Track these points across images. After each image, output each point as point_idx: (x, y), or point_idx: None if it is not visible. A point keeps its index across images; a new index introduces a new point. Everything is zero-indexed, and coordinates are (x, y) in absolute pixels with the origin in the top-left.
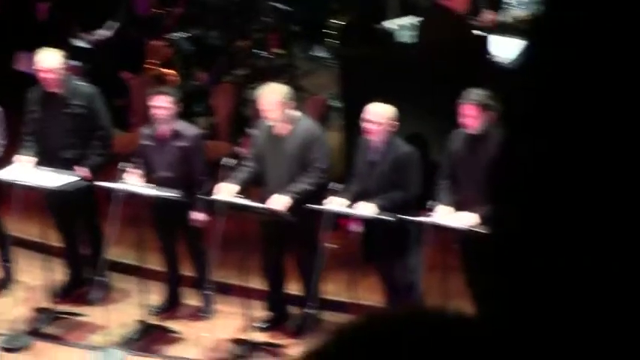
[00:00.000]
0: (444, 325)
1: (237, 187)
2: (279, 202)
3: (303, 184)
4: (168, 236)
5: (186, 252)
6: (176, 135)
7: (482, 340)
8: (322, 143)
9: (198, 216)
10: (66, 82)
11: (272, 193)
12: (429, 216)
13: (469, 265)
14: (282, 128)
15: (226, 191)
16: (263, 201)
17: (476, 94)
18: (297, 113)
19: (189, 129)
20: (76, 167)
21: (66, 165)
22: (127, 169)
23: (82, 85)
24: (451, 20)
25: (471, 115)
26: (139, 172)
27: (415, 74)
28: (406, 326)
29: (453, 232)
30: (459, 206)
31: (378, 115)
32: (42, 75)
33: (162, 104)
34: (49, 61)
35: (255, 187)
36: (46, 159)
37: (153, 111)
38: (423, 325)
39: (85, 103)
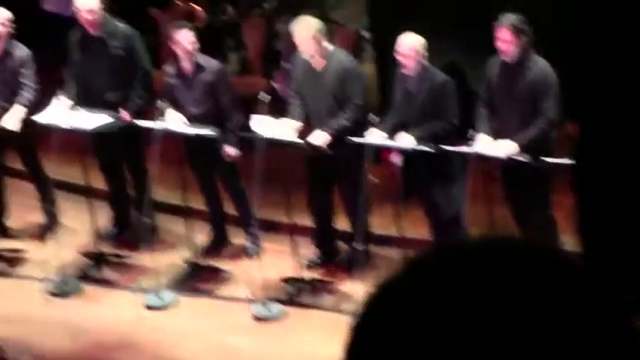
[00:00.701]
0: (529, 251)
1: (299, 124)
2: (319, 137)
3: (342, 120)
4: (205, 174)
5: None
6: (199, 70)
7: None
8: (357, 77)
9: (230, 151)
10: (105, 23)
11: (312, 128)
12: (469, 145)
13: (512, 194)
14: (317, 63)
15: (289, 127)
16: (303, 136)
17: (511, 18)
18: (331, 47)
19: (212, 63)
20: (118, 109)
21: (108, 107)
22: (167, 107)
23: (122, 26)
24: None
25: (506, 40)
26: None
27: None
28: (486, 257)
29: (494, 161)
30: (499, 134)
31: (408, 46)
32: (81, 16)
33: (182, 39)
34: (87, 1)
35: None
36: (88, 101)
37: (174, 47)
38: (508, 253)
39: (124, 45)
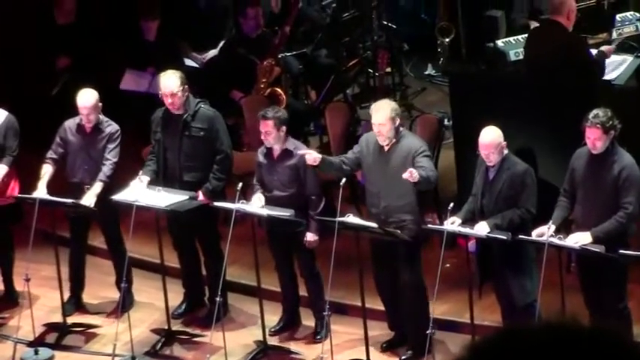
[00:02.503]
0: (591, 338)
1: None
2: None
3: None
4: (283, 256)
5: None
6: (287, 154)
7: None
8: (423, 152)
9: (310, 237)
10: (188, 104)
11: (373, 207)
12: (541, 235)
13: (587, 284)
14: (388, 143)
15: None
16: (365, 216)
17: (599, 115)
18: (402, 129)
19: (300, 147)
20: (196, 190)
21: (186, 187)
22: (256, 190)
23: (204, 107)
24: (562, 35)
25: (596, 138)
26: (260, 193)
27: (524, 91)
28: (548, 340)
29: (570, 252)
30: (577, 225)
31: (488, 143)
32: (165, 99)
33: (267, 129)
34: (170, 84)
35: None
36: (167, 180)
37: (262, 135)
38: (569, 339)
39: (206, 126)
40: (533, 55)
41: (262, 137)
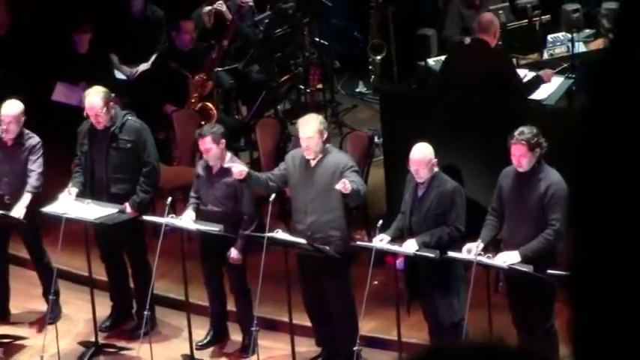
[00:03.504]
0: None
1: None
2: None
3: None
4: (213, 270)
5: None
6: (225, 171)
7: None
8: (351, 168)
9: (233, 254)
10: (115, 116)
11: (300, 224)
12: (470, 252)
13: (515, 303)
14: (314, 158)
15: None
16: (293, 232)
17: (524, 132)
18: (328, 145)
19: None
20: (124, 203)
21: (114, 199)
22: (191, 204)
23: (131, 119)
24: (490, 53)
25: (521, 154)
26: (191, 209)
27: (454, 110)
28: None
29: (499, 271)
30: (505, 244)
31: (419, 159)
32: (93, 117)
33: (206, 146)
34: (94, 103)
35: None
36: (95, 193)
37: (203, 153)
38: (495, 358)
39: (133, 138)
40: (461, 73)
41: (204, 155)
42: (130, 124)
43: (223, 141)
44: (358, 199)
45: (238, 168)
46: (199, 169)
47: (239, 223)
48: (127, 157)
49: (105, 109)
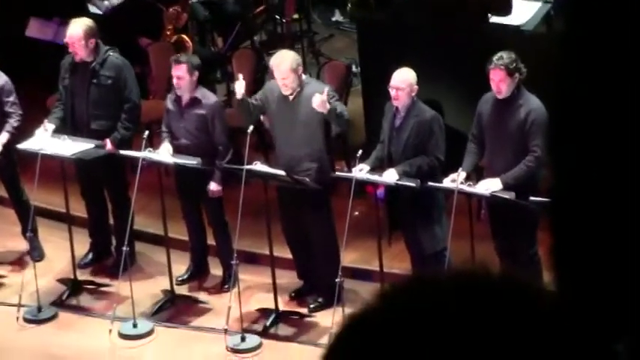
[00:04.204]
0: (497, 288)
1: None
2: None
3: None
4: (190, 205)
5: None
6: (195, 102)
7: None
8: (334, 98)
9: (213, 187)
10: (97, 51)
11: (279, 156)
12: (454, 182)
13: (497, 231)
14: (292, 93)
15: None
16: (274, 165)
17: (504, 58)
18: (305, 77)
19: (208, 97)
20: (104, 139)
21: (93, 136)
22: (164, 138)
23: (113, 55)
24: None
25: (500, 80)
26: (167, 142)
27: (431, 37)
28: (457, 287)
29: (481, 199)
30: (487, 172)
31: (402, 79)
32: (71, 46)
33: (179, 73)
34: (73, 33)
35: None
36: (74, 129)
37: (173, 80)
38: (478, 286)
39: (115, 75)
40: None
41: (174, 82)
42: (111, 60)
43: (197, 73)
44: (343, 122)
45: (241, 86)
46: (168, 103)
47: (214, 155)
48: (107, 93)
49: (83, 41)
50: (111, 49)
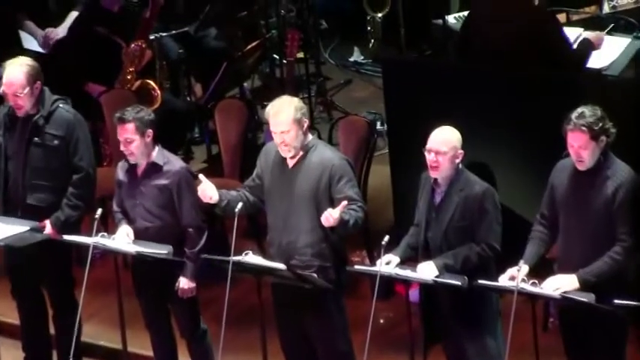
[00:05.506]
0: None
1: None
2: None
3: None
4: (155, 310)
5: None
6: (154, 171)
7: None
8: (346, 178)
9: (183, 284)
10: (42, 101)
11: (273, 244)
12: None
13: (572, 346)
14: (293, 156)
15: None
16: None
17: (584, 115)
18: (312, 137)
19: (172, 161)
20: (42, 220)
21: (30, 214)
22: (120, 220)
23: (63, 108)
24: (528, 7)
25: (581, 145)
26: (126, 224)
27: (483, 85)
28: None
29: (549, 302)
30: (559, 265)
31: (442, 142)
32: (11, 98)
33: (127, 135)
34: (13, 79)
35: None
36: (5, 203)
37: (121, 145)
38: None
39: (63, 134)
40: (489, 34)
41: (122, 147)
42: (60, 114)
43: (150, 132)
44: (352, 230)
45: (206, 188)
46: (120, 174)
47: (182, 241)
48: (51, 157)
49: (28, 88)
50: (60, 99)
